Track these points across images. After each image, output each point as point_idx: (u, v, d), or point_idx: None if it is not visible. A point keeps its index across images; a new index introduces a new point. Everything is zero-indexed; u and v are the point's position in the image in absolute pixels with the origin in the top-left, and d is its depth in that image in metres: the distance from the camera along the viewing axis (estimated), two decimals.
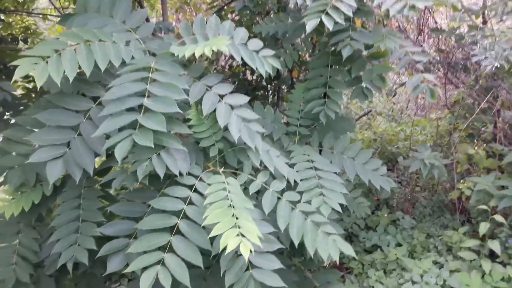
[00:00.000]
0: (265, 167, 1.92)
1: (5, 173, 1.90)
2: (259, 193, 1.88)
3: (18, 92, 2.91)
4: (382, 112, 6.41)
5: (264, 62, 1.95)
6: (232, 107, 1.82)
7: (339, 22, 1.98)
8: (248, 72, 4.42)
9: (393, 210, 3.99)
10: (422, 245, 3.42)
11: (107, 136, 1.66)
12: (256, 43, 1.96)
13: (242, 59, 1.88)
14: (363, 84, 2.39)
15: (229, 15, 4.04)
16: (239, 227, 1.42)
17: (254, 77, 4.35)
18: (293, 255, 2.38)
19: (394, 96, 4.77)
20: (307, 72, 3.05)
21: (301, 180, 1.97)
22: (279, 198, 1.82)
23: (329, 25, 1.97)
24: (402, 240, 3.54)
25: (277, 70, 2.17)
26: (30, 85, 2.96)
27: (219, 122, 1.75)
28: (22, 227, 2.05)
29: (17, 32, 3.80)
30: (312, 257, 1.69)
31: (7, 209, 1.88)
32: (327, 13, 1.98)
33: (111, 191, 2.13)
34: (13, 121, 2.32)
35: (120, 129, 1.58)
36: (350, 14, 1.99)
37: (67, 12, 3.88)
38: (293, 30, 2.59)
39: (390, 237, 3.59)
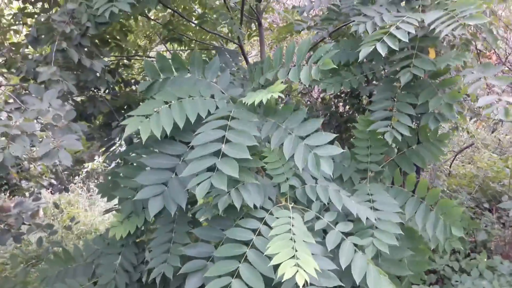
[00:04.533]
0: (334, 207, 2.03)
1: (118, 201, 2.33)
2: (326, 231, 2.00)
3: None
4: (488, 144, 5.97)
5: (314, 70, 2.02)
6: (301, 138, 1.95)
7: (396, 50, 2.07)
8: (340, 104, 4.45)
9: (491, 254, 3.72)
10: None
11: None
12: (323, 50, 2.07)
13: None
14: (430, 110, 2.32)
15: None
16: (297, 258, 1.57)
17: (347, 108, 4.33)
18: None
19: (493, 132, 4.46)
20: None
21: (366, 219, 2.02)
22: (343, 239, 1.92)
23: (382, 51, 2.07)
24: (499, 287, 3.30)
25: None
26: None
27: (285, 154, 1.92)
28: (126, 242, 2.45)
29: (138, 72, 4.45)
30: None
31: (117, 231, 2.29)
32: (382, 41, 2.09)
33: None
34: None
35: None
36: (406, 39, 2.06)
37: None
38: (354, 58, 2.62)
39: (486, 283, 3.36)
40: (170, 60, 2.35)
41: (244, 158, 1.83)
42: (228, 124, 1.93)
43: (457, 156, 5.32)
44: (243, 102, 1.98)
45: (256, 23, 4.09)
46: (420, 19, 2.16)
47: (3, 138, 2.03)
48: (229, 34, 4.04)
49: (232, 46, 4.29)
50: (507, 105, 1.95)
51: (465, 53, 2.21)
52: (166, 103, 2.06)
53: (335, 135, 1.98)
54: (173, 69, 2.35)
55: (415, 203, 2.28)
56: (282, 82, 2.05)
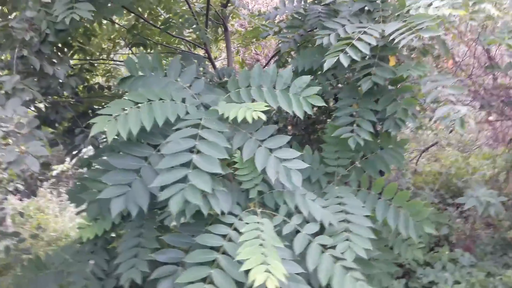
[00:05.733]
0: (300, 211, 2.09)
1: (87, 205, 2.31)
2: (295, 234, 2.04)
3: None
4: (452, 143, 6.20)
5: (303, 103, 2.17)
6: (271, 150, 2.04)
7: (356, 59, 2.16)
8: None
9: (453, 247, 3.89)
10: (481, 284, 3.32)
11: None
12: (301, 82, 2.22)
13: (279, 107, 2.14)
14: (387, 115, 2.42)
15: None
16: (267, 264, 1.61)
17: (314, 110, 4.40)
18: None
19: (450, 132, 4.65)
20: None
21: (329, 224, 2.09)
22: (310, 241, 1.98)
23: (344, 62, 2.17)
24: (461, 278, 3.46)
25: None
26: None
27: (257, 166, 1.99)
28: (95, 248, 2.44)
29: (101, 73, 4.40)
30: None
31: (84, 233, 2.27)
32: (345, 52, 2.18)
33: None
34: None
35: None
36: (367, 51, 2.17)
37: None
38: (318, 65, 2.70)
39: (448, 275, 3.52)
40: (150, 59, 2.37)
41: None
42: (198, 133, 1.94)
43: (422, 155, 5.50)
44: (224, 115, 1.98)
45: (223, 28, 4.12)
46: (381, 30, 2.25)
47: None
48: (196, 39, 4.05)
49: (200, 51, 4.30)
50: (462, 116, 2.04)
51: (424, 64, 2.31)
52: (136, 103, 2.06)
53: (299, 153, 2.08)
54: (151, 68, 2.39)
55: (385, 206, 2.33)
56: None
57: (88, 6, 2.27)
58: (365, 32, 2.23)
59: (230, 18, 4.23)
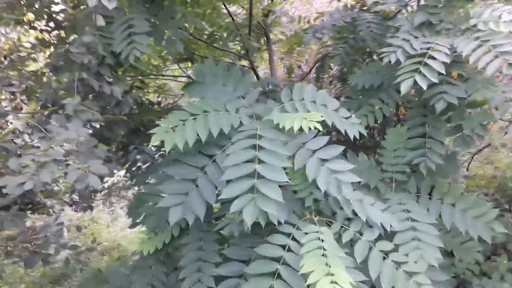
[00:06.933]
0: (359, 217, 2.06)
1: (143, 218, 2.37)
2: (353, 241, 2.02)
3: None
4: (506, 143, 5.91)
5: (352, 127, 2.18)
6: (323, 160, 2.04)
7: (433, 81, 2.09)
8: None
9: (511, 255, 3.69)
10: None
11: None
12: (345, 112, 2.28)
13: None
14: (465, 132, 2.37)
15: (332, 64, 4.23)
16: (332, 275, 1.60)
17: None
18: None
19: (505, 135, 4.43)
20: None
21: (396, 232, 2.05)
22: (371, 248, 1.95)
23: (423, 84, 2.10)
24: None
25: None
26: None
27: (308, 176, 1.99)
28: (154, 261, 2.48)
29: (151, 90, 4.54)
30: None
31: (145, 247, 2.33)
32: (420, 72, 2.11)
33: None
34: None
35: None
36: (443, 71, 2.09)
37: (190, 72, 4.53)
38: (388, 82, 2.67)
39: (507, 286, 3.34)
40: (215, 68, 2.47)
41: None
42: (257, 143, 1.96)
43: (474, 157, 5.28)
44: (279, 125, 1.99)
45: (265, 38, 4.16)
46: (449, 46, 2.18)
47: (33, 165, 2.10)
48: (241, 51, 4.11)
49: (244, 62, 4.36)
50: None
51: (495, 82, 2.21)
52: (193, 115, 2.11)
53: (352, 166, 2.08)
54: (214, 76, 2.47)
55: (450, 211, 2.28)
56: None
57: (146, 39, 2.35)
58: (434, 49, 2.16)
59: (271, 27, 4.25)
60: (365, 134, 2.31)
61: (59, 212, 4.64)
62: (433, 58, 2.14)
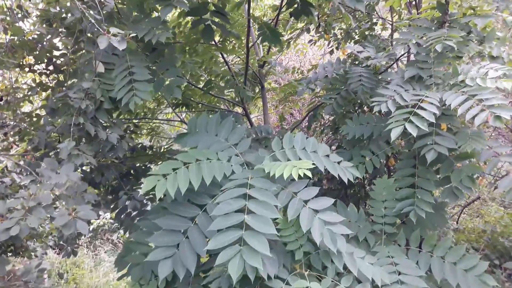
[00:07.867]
0: (349, 271, 2.04)
1: (129, 267, 2.30)
2: None
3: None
4: (495, 197, 5.96)
5: (345, 171, 2.18)
6: (316, 211, 2.04)
7: (422, 128, 2.14)
8: None
9: None
10: None
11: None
12: (336, 157, 2.27)
13: (325, 168, 2.14)
14: (453, 184, 2.40)
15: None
16: None
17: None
18: None
19: (495, 189, 4.48)
20: None
21: (382, 286, 2.03)
22: None
23: (413, 132, 2.14)
24: None
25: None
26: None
27: (302, 227, 1.97)
28: None
29: (145, 133, 4.56)
30: None
31: None
32: (410, 121, 2.17)
33: None
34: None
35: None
36: (433, 120, 2.15)
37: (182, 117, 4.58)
38: (378, 133, 2.74)
39: None
40: (209, 119, 2.54)
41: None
42: (247, 193, 1.96)
43: (464, 210, 5.30)
44: (270, 174, 2.00)
45: (259, 87, 4.26)
46: (439, 98, 2.26)
47: (20, 209, 2.06)
48: (235, 98, 4.19)
49: (238, 109, 4.43)
50: None
51: (483, 135, 2.28)
52: (185, 164, 2.12)
53: (343, 218, 2.09)
54: (206, 127, 2.53)
55: (440, 264, 2.26)
56: None
57: (146, 86, 2.40)
58: (424, 100, 2.23)
59: (266, 77, 4.36)
60: (361, 177, 2.32)
61: (41, 255, 4.51)
62: (423, 108, 2.21)
